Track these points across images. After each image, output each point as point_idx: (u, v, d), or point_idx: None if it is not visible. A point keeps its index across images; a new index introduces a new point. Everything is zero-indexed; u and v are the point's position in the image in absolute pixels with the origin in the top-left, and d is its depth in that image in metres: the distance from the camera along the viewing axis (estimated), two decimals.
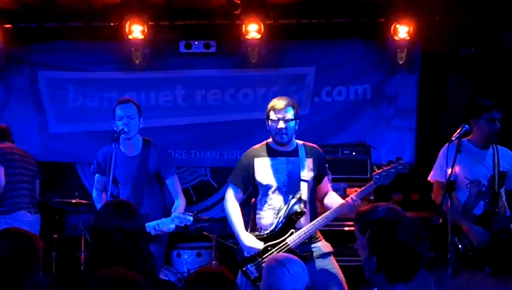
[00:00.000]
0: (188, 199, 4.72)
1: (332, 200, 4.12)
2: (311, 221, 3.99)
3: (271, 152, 4.10)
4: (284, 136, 4.00)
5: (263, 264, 3.79)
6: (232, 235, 4.33)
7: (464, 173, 4.35)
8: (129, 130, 4.37)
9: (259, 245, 3.94)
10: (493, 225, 4.27)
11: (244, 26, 6.22)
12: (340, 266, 4.06)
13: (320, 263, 3.95)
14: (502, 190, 4.41)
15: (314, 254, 3.96)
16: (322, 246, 4.04)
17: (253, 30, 6.20)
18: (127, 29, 6.22)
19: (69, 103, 6.95)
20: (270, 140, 4.15)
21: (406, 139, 6.74)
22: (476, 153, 4.41)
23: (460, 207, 4.35)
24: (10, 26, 6.54)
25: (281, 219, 3.98)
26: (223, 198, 6.97)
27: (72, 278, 6.08)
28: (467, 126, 4.18)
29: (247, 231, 4.08)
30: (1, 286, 2.45)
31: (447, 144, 4.33)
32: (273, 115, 4.01)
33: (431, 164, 4.55)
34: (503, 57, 6.28)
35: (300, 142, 4.16)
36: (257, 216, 4.08)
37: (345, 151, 6.04)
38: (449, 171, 4.02)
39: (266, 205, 4.05)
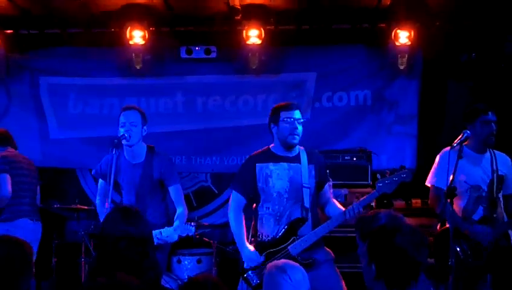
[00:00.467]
0: (188, 205, 4.72)
1: (334, 208, 4.11)
2: (313, 228, 3.98)
3: (273, 157, 4.08)
4: (297, 136, 4.00)
5: (264, 271, 3.78)
6: (233, 241, 4.32)
7: (465, 178, 4.34)
8: (130, 136, 4.35)
9: (259, 258, 3.93)
10: (496, 228, 4.26)
11: (244, 31, 6.23)
12: (341, 272, 4.05)
13: (321, 270, 3.93)
14: (500, 195, 4.42)
15: (316, 261, 3.94)
16: (323, 253, 4.03)
17: (253, 36, 6.21)
18: (127, 35, 6.23)
19: (70, 108, 6.95)
20: (272, 145, 4.14)
21: (406, 145, 6.73)
22: (473, 158, 4.42)
23: (461, 213, 4.34)
24: (11, 32, 6.56)
25: (282, 226, 3.98)
26: (223, 204, 7.09)
27: (72, 286, 6.09)
28: (468, 132, 4.19)
29: (248, 236, 4.07)
30: None
31: (444, 149, 4.33)
32: (285, 115, 3.99)
33: None
34: (504, 62, 6.28)
35: (301, 148, 4.15)
36: (258, 222, 4.07)
37: (346, 157, 6.03)
38: (451, 177, 4.01)
39: (267, 211, 4.04)
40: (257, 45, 6.26)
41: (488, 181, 4.37)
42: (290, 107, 4.03)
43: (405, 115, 6.73)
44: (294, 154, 4.09)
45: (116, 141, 4.30)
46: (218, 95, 6.90)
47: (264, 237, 4.02)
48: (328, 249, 4.08)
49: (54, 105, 6.94)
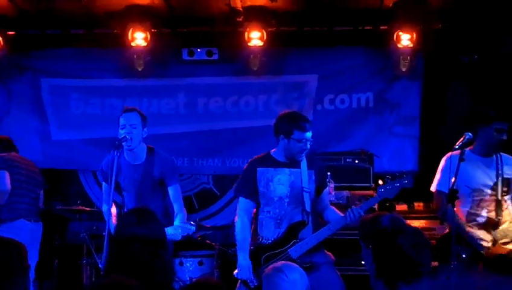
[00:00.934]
0: (190, 207, 4.73)
1: (333, 213, 4.10)
2: (313, 231, 3.97)
3: (274, 163, 4.08)
4: (304, 154, 4.00)
5: (263, 274, 3.77)
6: (235, 243, 4.30)
7: (466, 182, 4.31)
8: (131, 138, 4.34)
9: (249, 275, 3.89)
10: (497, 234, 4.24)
11: (246, 33, 6.22)
12: (343, 275, 4.05)
13: (321, 273, 3.92)
14: (508, 198, 4.37)
15: (315, 264, 3.93)
16: (323, 256, 4.02)
17: (255, 37, 6.21)
18: (129, 37, 6.23)
19: (72, 109, 6.96)
20: (273, 151, 4.13)
21: (409, 147, 6.72)
22: (478, 161, 4.38)
23: (463, 217, 4.33)
24: (13, 33, 6.56)
25: (283, 229, 3.97)
26: (225, 206, 7.09)
27: (73, 287, 6.08)
28: (470, 134, 4.14)
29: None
30: None
31: (448, 154, 4.30)
32: (299, 136, 3.94)
33: (435, 172, 4.52)
34: (504, 63, 6.27)
35: None
36: (258, 226, 4.06)
37: (348, 159, 6.02)
38: (452, 180, 3.99)
39: (268, 215, 4.03)
40: (259, 46, 6.27)
41: (492, 184, 4.34)
42: (304, 128, 3.94)
43: (407, 117, 6.72)
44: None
45: (117, 142, 4.29)
46: (220, 96, 6.90)
47: (264, 240, 4.02)
48: (328, 252, 4.08)
49: (56, 106, 6.95)
